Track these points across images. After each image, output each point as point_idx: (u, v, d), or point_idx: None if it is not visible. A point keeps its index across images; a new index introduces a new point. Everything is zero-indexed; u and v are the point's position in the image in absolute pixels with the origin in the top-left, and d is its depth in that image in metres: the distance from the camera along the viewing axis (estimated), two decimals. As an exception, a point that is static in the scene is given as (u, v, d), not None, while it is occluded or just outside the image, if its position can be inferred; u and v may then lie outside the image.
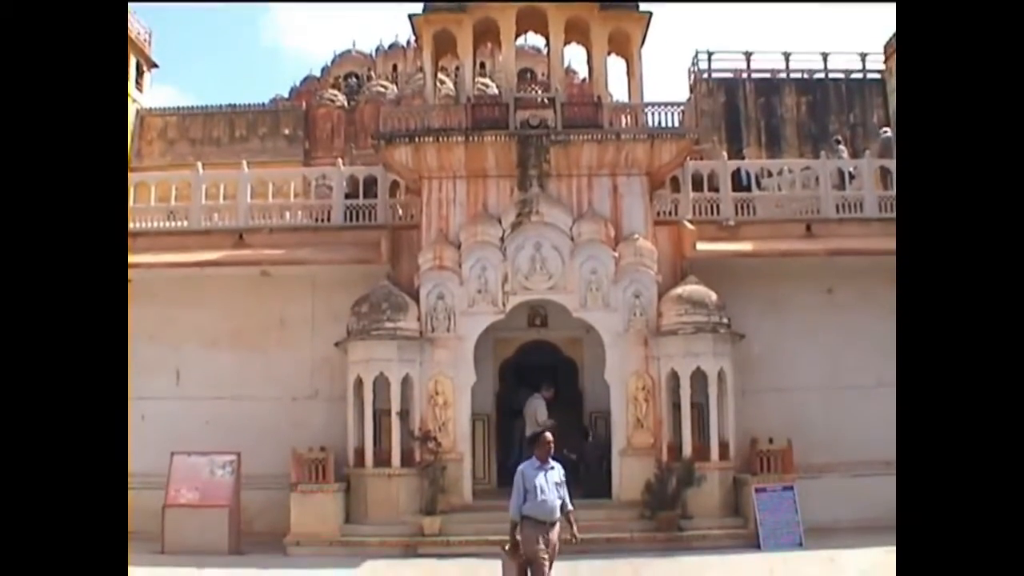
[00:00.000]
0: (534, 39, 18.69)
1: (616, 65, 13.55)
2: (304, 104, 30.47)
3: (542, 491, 6.82)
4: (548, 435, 7.25)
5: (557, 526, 6.88)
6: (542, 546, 6.70)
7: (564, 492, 7.05)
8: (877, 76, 24.67)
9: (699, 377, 11.60)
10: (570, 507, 7.10)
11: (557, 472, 7.08)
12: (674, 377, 11.71)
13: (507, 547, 6.86)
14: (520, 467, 7.07)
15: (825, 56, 25.05)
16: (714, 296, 11.89)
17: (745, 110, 24.36)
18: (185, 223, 13.56)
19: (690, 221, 12.87)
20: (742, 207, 13.47)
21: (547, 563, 6.70)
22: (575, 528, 7.11)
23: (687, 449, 11.48)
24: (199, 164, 14.62)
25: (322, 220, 13.55)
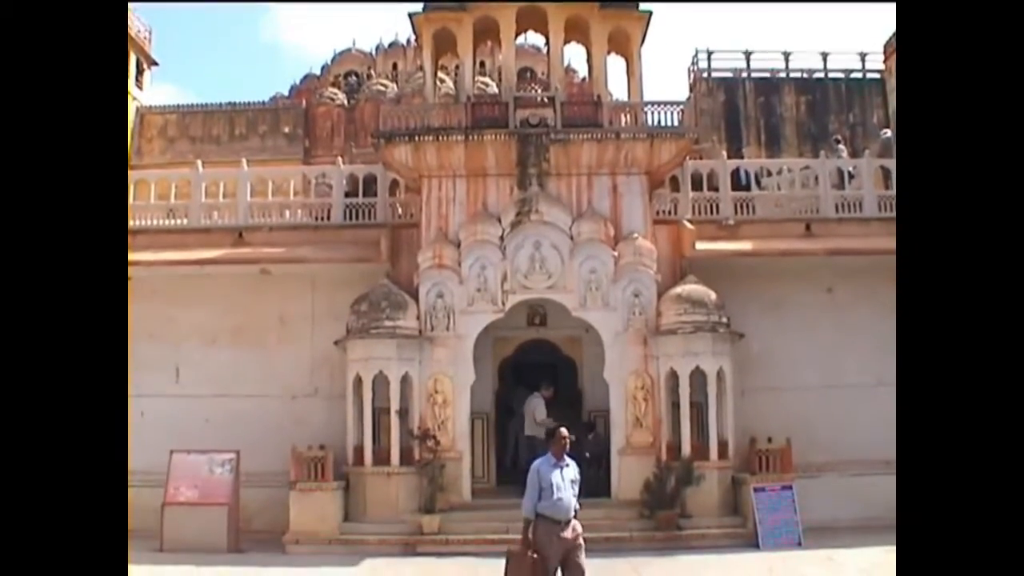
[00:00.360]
0: (534, 38, 18.71)
1: (616, 64, 13.58)
2: (304, 102, 30.44)
3: (558, 489, 6.65)
4: (564, 431, 7.08)
5: (571, 524, 6.72)
6: (556, 546, 6.55)
7: (576, 490, 6.88)
8: (877, 76, 24.68)
9: (698, 376, 11.60)
10: (577, 507, 6.93)
11: (572, 470, 6.91)
12: (673, 376, 11.71)
13: (517, 546, 6.65)
14: (535, 464, 6.89)
15: (825, 56, 25.05)
16: (713, 295, 11.89)
17: (745, 109, 24.36)
18: (185, 221, 13.56)
19: (689, 220, 12.87)
20: (741, 206, 13.46)
21: (557, 564, 6.55)
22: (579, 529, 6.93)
23: (686, 448, 11.48)
24: (199, 162, 14.62)
25: (322, 219, 13.55)
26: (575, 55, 28.40)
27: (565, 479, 6.77)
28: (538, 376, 12.81)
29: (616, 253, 12.10)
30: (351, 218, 13.46)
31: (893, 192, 13.32)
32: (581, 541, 6.73)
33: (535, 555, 6.53)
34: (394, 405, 11.60)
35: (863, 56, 24.98)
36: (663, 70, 59.65)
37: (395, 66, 34.75)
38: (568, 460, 6.94)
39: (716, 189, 13.54)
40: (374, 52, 36.25)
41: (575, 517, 6.83)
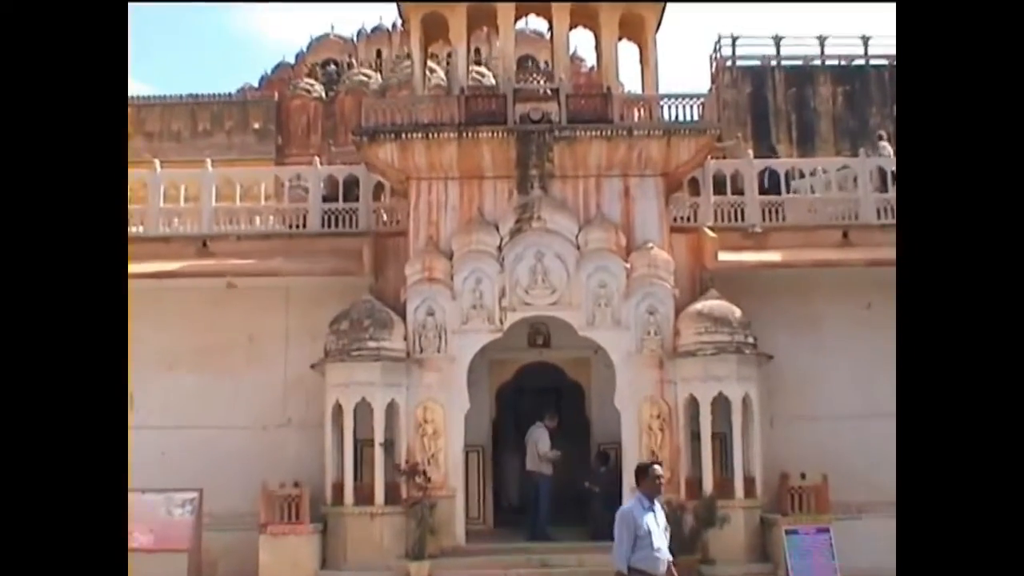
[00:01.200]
0: (536, 22, 18.87)
1: (628, 52, 13.75)
2: (276, 95, 30.64)
3: (655, 538, 6.58)
4: (657, 468, 7.03)
5: None
6: None
7: (668, 538, 6.83)
8: (924, 63, 24.81)
9: (721, 403, 11.69)
10: (670, 556, 6.81)
11: (662, 514, 6.85)
12: (693, 403, 11.81)
13: None
14: (626, 507, 6.81)
15: (865, 40, 25.12)
16: (738, 312, 11.99)
17: (774, 102, 24.49)
18: (141, 229, 13.67)
19: (711, 228, 13.00)
20: (770, 212, 13.59)
21: None
22: None
23: (708, 485, 11.56)
24: (156, 162, 14.75)
25: (296, 226, 13.69)
26: (582, 42, 28.66)
27: (660, 526, 6.71)
28: (541, 403, 12.91)
29: (628, 265, 12.21)
30: (329, 225, 13.59)
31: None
32: None
33: None
34: (378, 436, 11.68)
35: (908, 41, 25.14)
36: (682, 58, 59.87)
37: (379, 53, 34.95)
38: (656, 502, 6.84)
39: (741, 192, 13.66)
40: (355, 38, 36.43)
41: (673, 569, 6.74)
